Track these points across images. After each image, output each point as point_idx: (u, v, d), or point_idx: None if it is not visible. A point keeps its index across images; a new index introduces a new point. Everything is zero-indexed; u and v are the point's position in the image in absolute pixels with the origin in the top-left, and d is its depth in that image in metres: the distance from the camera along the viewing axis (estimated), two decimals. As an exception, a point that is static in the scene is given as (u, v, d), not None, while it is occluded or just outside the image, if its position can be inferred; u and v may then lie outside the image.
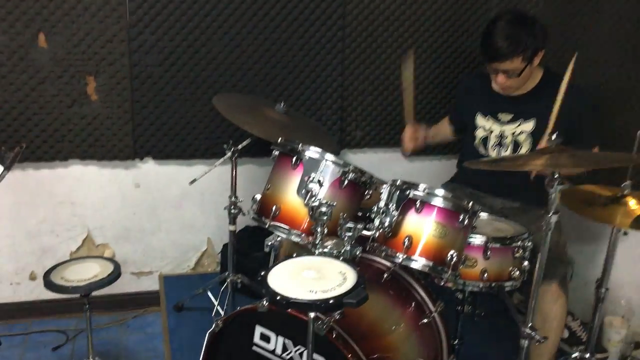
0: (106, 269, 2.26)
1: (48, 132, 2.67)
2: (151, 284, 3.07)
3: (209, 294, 2.67)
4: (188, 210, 3.02)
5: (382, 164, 3.13)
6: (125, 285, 3.02)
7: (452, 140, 2.82)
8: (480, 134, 2.53)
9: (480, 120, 2.53)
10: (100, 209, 2.90)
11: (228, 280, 2.54)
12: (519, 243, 2.04)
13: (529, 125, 2.43)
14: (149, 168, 2.89)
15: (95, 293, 2.95)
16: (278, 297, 1.43)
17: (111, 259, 2.35)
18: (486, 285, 2.01)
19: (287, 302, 1.42)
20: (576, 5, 2.81)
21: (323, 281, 1.49)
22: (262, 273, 1.54)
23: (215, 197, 2.96)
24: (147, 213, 2.97)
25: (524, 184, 2.19)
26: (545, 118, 2.38)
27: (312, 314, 1.51)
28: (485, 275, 2.00)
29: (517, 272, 2.04)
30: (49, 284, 2.17)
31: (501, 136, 2.48)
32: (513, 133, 2.45)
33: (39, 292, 2.90)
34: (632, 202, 1.92)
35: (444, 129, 2.79)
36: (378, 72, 3.00)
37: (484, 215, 2.25)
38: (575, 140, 2.31)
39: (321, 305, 1.40)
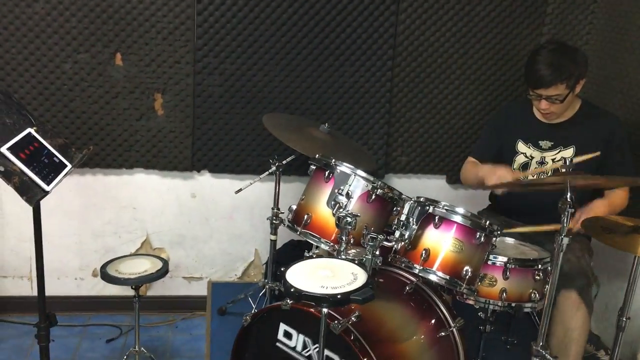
0: (155, 265, 2.47)
1: (118, 142, 2.95)
2: (200, 289, 3.27)
3: (250, 299, 2.83)
4: (238, 221, 3.22)
5: (425, 190, 3.21)
6: (176, 289, 3.26)
7: None
8: (520, 159, 2.61)
9: (521, 146, 2.61)
10: (159, 215, 3.15)
11: (266, 287, 2.71)
12: (539, 266, 2.10)
13: (568, 152, 2.50)
14: (205, 180, 3.13)
15: (149, 293, 3.22)
16: (292, 290, 1.58)
17: (161, 258, 2.56)
18: (505, 305, 2.08)
19: (300, 294, 1.57)
20: (623, 38, 2.85)
21: (335, 279, 1.63)
22: (282, 269, 1.69)
23: (264, 211, 3.13)
24: (200, 222, 3.19)
25: (554, 212, 2.24)
26: (584, 145, 2.45)
27: (325, 310, 1.65)
28: (504, 295, 2.07)
29: (538, 295, 2.09)
30: (105, 275, 2.41)
31: (542, 162, 2.55)
32: (553, 160, 2.53)
33: (100, 289, 3.17)
34: (654, 233, 1.95)
35: None
36: (425, 101, 3.13)
37: (510, 240, 2.33)
38: (613, 170, 2.37)
39: (329, 299, 1.54)
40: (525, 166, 2.62)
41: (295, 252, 3.05)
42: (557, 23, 3.09)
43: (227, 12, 2.84)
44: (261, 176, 2.61)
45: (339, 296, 1.54)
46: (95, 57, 2.80)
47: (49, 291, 2.90)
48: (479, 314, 2.26)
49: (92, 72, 2.82)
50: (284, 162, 2.58)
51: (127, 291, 2.53)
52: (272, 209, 2.64)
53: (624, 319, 2.03)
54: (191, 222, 3.19)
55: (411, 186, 3.24)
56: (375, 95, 3.07)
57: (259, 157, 3.07)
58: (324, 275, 1.66)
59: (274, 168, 2.57)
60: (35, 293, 2.97)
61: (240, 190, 2.61)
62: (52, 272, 3.12)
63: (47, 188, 1.85)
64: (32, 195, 1.78)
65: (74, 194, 3.02)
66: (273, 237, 2.68)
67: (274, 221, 2.65)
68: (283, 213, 2.65)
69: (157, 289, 3.25)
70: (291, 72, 2.97)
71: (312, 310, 1.87)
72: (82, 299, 3.17)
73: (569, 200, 1.72)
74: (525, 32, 3.08)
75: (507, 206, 2.64)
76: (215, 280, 3.29)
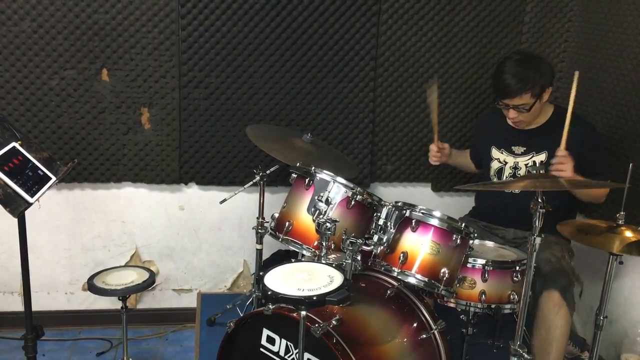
0: (142, 276, 2.51)
1: (105, 156, 2.99)
2: (190, 301, 3.29)
3: (237, 309, 2.86)
4: (227, 233, 3.26)
5: (411, 198, 3.23)
6: (167, 301, 3.28)
7: (475, 172, 2.98)
8: (495, 165, 2.67)
9: (495, 152, 2.67)
10: (148, 228, 3.18)
11: (253, 296, 2.74)
12: (517, 268, 2.13)
13: (541, 157, 2.55)
14: (193, 192, 3.16)
15: (139, 306, 3.25)
16: (269, 292, 1.61)
17: (147, 269, 2.59)
18: (485, 307, 2.11)
19: (277, 296, 1.60)
20: (599, 45, 2.91)
21: (311, 282, 1.67)
22: (261, 273, 1.72)
23: (252, 221, 3.13)
24: (189, 234, 3.23)
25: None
26: (555, 150, 2.50)
27: (303, 313, 1.68)
28: (484, 296, 2.10)
29: (517, 296, 2.12)
30: (92, 287, 2.44)
31: (515, 167, 2.60)
32: (526, 164, 2.57)
33: (90, 302, 3.19)
34: (627, 233, 1.99)
35: (465, 158, 2.97)
36: (408, 110, 3.18)
37: (490, 243, 2.37)
38: (589, 173, 2.42)
39: (305, 301, 1.57)
40: (500, 171, 2.67)
41: (283, 261, 3.07)
42: (535, 32, 3.15)
43: (211, 27, 2.90)
44: (245, 186, 2.65)
45: (314, 297, 1.58)
46: (81, 73, 2.85)
47: (40, 306, 2.95)
48: (461, 316, 2.29)
49: (79, 88, 2.87)
50: (268, 172, 2.62)
51: (117, 304, 2.56)
52: (257, 218, 2.68)
53: (602, 318, 2.06)
54: (180, 234, 3.22)
55: (397, 194, 3.29)
56: (358, 106, 3.12)
57: (245, 169, 3.11)
58: (301, 278, 1.69)
59: (257, 178, 2.61)
60: (25, 308, 3.02)
61: (224, 200, 2.65)
62: (43, 287, 3.15)
63: (30, 200, 1.88)
64: (16, 206, 1.82)
65: (63, 208, 3.05)
66: (259, 247, 2.72)
67: (259, 230, 2.68)
68: (268, 222, 2.68)
69: (147, 302, 3.27)
70: (275, 84, 3.02)
71: (293, 314, 1.90)
72: (72, 313, 3.20)
73: (539, 201, 1.76)
74: (505, 40, 3.14)
75: (488, 211, 2.68)
76: (204, 291, 3.32)
